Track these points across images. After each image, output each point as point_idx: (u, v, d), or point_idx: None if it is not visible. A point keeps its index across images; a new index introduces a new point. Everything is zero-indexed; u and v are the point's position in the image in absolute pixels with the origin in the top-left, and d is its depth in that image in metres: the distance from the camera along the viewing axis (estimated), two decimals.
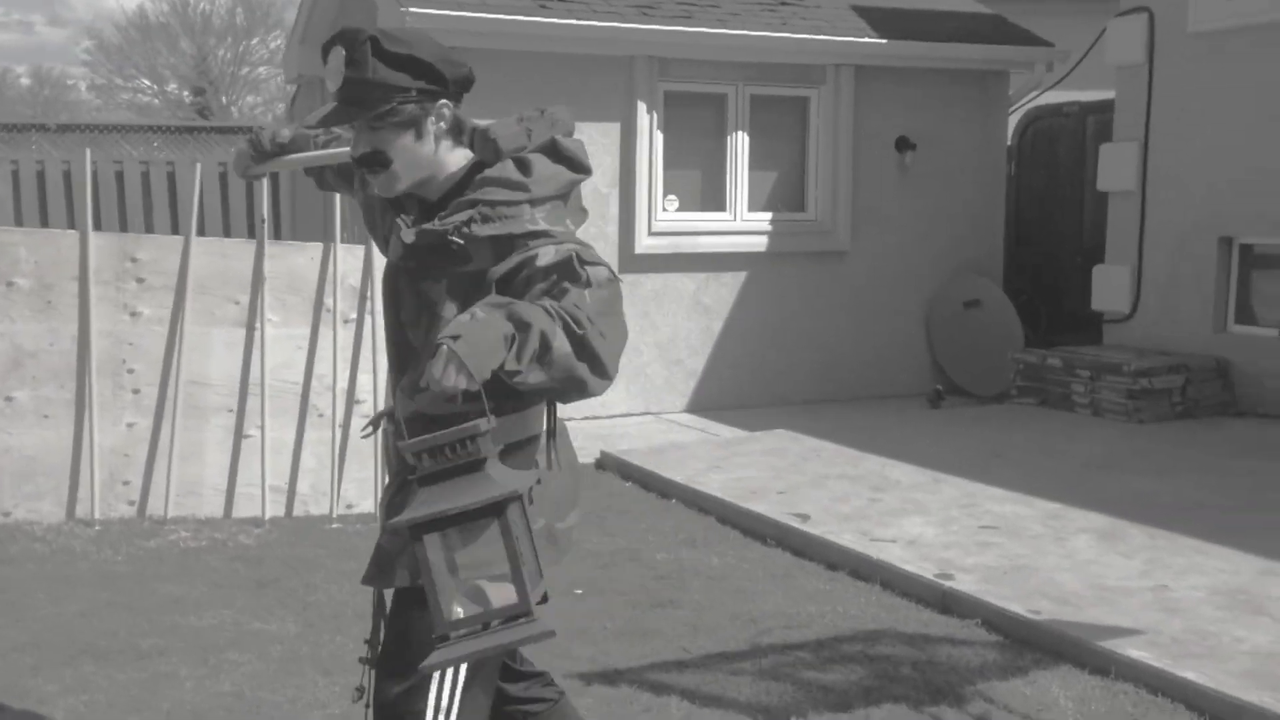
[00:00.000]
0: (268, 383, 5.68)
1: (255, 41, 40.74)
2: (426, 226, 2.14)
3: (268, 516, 5.62)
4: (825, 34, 8.55)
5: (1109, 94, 8.91)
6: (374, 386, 5.84)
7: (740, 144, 8.66)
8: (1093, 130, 9.46)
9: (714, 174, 8.69)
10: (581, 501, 2.28)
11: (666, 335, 8.50)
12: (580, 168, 2.19)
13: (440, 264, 2.12)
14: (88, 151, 5.84)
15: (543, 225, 2.09)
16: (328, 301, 5.82)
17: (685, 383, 8.60)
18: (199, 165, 6.16)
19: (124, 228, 11.83)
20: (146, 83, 39.25)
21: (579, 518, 2.26)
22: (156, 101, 39.80)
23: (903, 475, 6.14)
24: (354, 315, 5.88)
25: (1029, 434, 7.17)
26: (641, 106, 8.23)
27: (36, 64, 58.57)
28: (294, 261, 5.82)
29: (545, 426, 2.18)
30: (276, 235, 11.24)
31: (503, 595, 1.94)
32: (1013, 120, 9.98)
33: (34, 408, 5.30)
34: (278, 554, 5.13)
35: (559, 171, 2.14)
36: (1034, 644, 4.00)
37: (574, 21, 7.83)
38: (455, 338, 1.87)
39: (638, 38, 8.06)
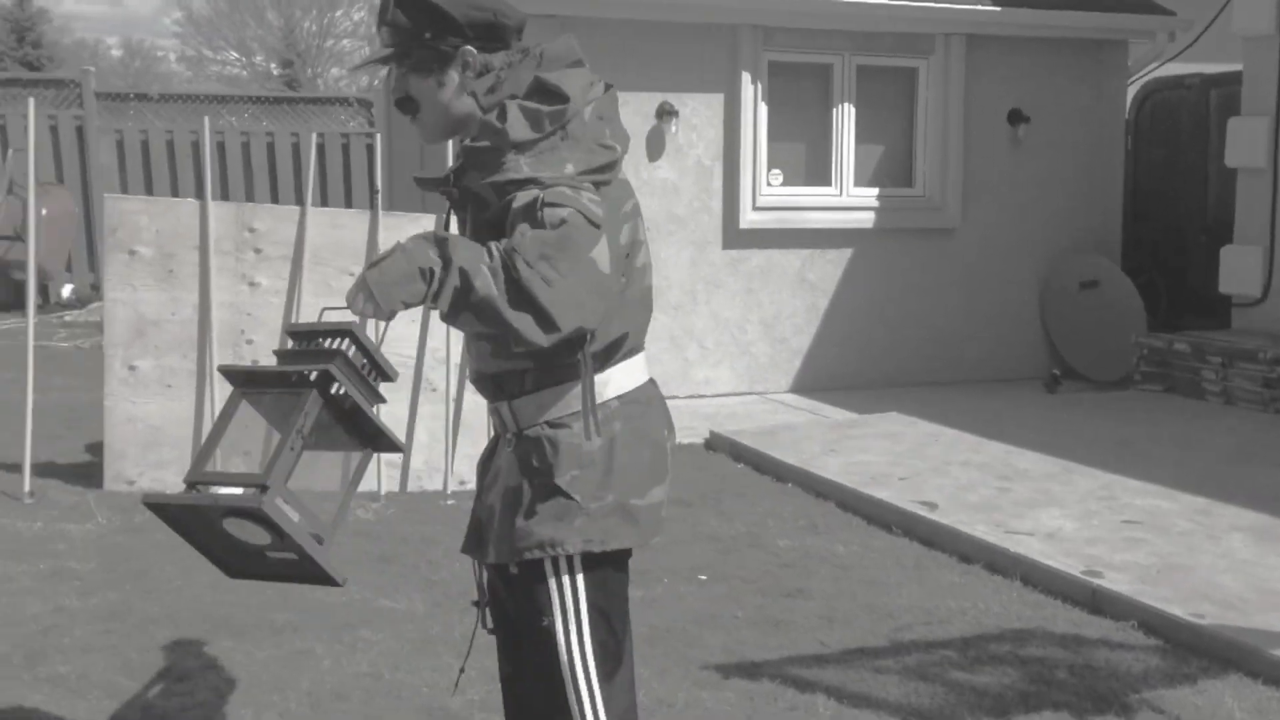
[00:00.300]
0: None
1: (339, 14, 41.06)
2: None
3: (383, 491, 5.57)
4: (936, 1, 8.26)
5: (1234, 66, 8.52)
6: None
7: (846, 116, 8.42)
8: (1216, 103, 9.05)
9: (819, 148, 8.47)
10: (670, 479, 2.12)
11: (771, 313, 8.33)
12: (556, 98, 1.99)
13: (472, 212, 2.07)
14: (205, 120, 5.81)
15: (527, 173, 1.94)
16: None
17: (790, 361, 8.42)
18: (315, 135, 6.09)
19: (226, 197, 11.93)
20: (234, 55, 39.76)
21: (665, 495, 2.10)
22: (244, 73, 40.33)
23: (1030, 464, 5.92)
24: None
25: (1159, 423, 6.88)
26: (746, 77, 8.02)
27: (126, 35, 59.79)
28: (408, 233, 5.72)
29: (584, 397, 2.02)
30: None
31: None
32: (1130, 92, 9.60)
33: (157, 377, 5.29)
34: (396, 530, 5.07)
35: (536, 110, 1.98)
36: (1199, 650, 3.78)
37: None
38: (372, 266, 1.84)
39: (742, 5, 7.85)
